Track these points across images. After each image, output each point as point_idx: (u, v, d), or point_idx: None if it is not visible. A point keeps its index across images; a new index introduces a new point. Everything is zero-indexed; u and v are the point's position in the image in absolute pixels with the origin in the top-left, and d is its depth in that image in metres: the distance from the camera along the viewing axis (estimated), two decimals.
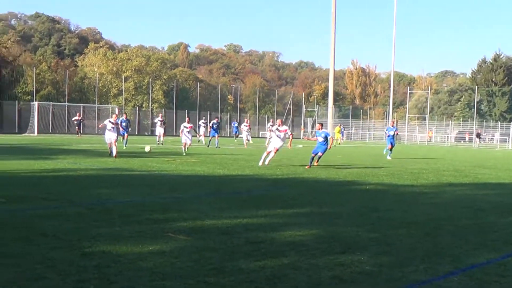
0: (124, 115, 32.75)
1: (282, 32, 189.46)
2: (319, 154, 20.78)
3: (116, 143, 21.38)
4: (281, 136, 21.52)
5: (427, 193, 14.49)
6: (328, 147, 21.28)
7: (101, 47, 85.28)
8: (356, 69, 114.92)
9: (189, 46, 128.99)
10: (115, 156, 20.86)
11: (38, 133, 51.04)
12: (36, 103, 53.48)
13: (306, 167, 20.64)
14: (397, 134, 28.64)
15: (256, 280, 5.74)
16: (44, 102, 55.58)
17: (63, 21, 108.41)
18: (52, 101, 57.13)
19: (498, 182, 18.55)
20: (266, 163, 20.98)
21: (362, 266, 6.52)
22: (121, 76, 69.43)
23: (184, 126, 27.87)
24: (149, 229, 8.16)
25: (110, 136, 21.17)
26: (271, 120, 38.17)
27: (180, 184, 14.65)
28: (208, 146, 35.82)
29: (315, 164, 20.75)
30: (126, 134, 30.73)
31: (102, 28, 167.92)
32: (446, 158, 34.60)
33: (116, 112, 35.09)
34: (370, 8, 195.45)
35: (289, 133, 22.70)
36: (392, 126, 29.53)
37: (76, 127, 48.21)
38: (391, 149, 28.10)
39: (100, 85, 67.02)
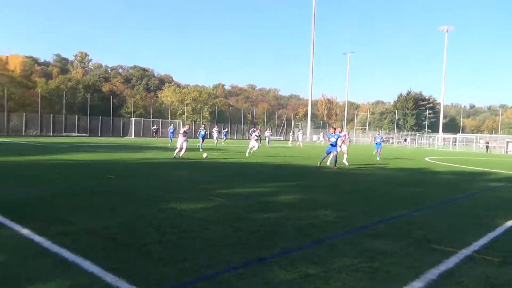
0: (203, 125, 27.50)
1: (281, 76, 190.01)
2: (333, 153, 15.91)
3: (184, 147, 17.47)
4: (338, 141, 16.37)
5: (367, 174, 14.44)
6: (338, 149, 16.27)
7: (172, 85, 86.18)
8: (324, 99, 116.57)
9: (225, 85, 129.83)
10: (181, 157, 17.57)
11: (134, 136, 51.82)
12: (133, 119, 54.59)
13: (318, 164, 16.57)
14: (346, 141, 19.52)
15: (264, 225, 5.82)
16: (138, 118, 56.77)
17: (150, 70, 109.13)
18: (142, 118, 58.23)
19: (410, 167, 18.45)
20: (247, 154, 20.46)
21: (327, 217, 6.56)
22: (184, 103, 70.49)
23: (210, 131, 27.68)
24: (199, 195, 8.25)
25: (181, 141, 17.47)
26: (256, 128, 34.21)
27: (218, 168, 14.74)
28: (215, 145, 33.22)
29: (334, 168, 15.45)
30: (201, 140, 25.20)
31: (173, 74, 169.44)
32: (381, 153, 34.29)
33: (186, 124, 28.66)
34: (337, 55, 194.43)
35: (347, 136, 18.92)
36: (378, 135, 24.08)
37: (154, 133, 49.33)
38: (379, 152, 23.29)
39: (171, 108, 67.92)
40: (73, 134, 48.84)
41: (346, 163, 17.40)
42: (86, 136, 47.73)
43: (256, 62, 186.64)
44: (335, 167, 15.59)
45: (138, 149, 23.99)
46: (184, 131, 17.72)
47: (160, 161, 16.42)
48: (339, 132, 16.90)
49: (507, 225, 6.55)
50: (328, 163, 16.93)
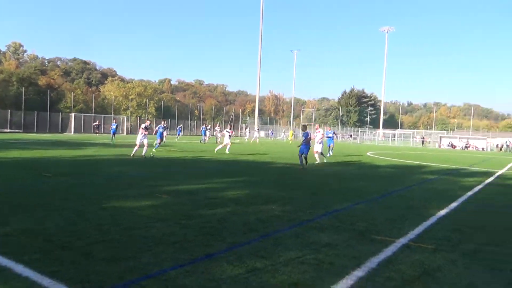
0: (163, 122, 22.16)
1: (229, 71, 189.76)
2: (304, 154, 14.23)
3: (145, 143, 16.14)
4: (318, 137, 16.87)
5: (313, 169, 14.80)
6: (313, 144, 15.97)
7: (115, 80, 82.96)
8: (272, 95, 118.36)
9: (171, 80, 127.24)
10: (144, 155, 16.20)
11: (73, 133, 49.30)
12: (73, 114, 52.18)
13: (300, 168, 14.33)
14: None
15: (211, 221, 5.79)
16: (78, 113, 54.06)
17: (91, 63, 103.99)
18: (83, 113, 55.50)
19: (353, 162, 19.19)
20: (226, 151, 20.45)
21: (274, 211, 6.66)
22: (128, 98, 68.19)
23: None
24: (144, 192, 8.04)
25: (140, 138, 16.06)
26: (228, 125, 33.23)
27: (165, 164, 14.44)
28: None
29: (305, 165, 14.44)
30: (159, 139, 20.62)
31: (117, 67, 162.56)
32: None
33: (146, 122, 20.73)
34: (283, 51, 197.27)
35: (322, 133, 17.24)
36: (330, 130, 23.06)
37: (96, 129, 46.98)
38: (331, 148, 21.49)
39: (115, 103, 65.45)
40: (5, 130, 45.49)
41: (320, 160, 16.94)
42: (20, 132, 44.65)
43: (204, 57, 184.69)
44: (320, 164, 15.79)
45: (78, 146, 22.85)
46: (145, 127, 16.50)
47: (102, 158, 15.77)
48: (329, 129, 17.54)
49: (440, 214, 7.03)
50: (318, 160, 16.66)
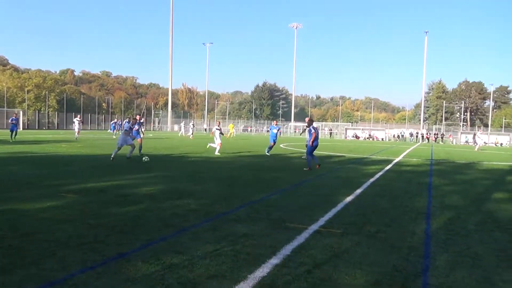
0: (129, 118, 16.66)
1: (139, 63, 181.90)
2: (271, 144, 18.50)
3: (129, 143, 14.40)
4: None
5: (229, 161, 14.94)
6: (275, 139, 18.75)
7: (8, 69, 74.57)
8: (185, 88, 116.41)
9: (75, 71, 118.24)
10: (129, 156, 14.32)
11: None
12: None
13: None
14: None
15: (124, 219, 5.56)
16: None
17: None
18: None
19: (269, 153, 19.76)
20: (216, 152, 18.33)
21: (190, 206, 6.61)
22: (24, 89, 61.76)
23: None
24: (47, 192, 7.42)
25: (123, 139, 14.23)
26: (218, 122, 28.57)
27: (70, 161, 13.43)
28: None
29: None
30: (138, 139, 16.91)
31: (9, 56, 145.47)
32: (241, 140, 36.04)
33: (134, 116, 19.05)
34: (196, 44, 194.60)
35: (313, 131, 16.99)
36: (275, 125, 21.03)
37: None
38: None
39: (8, 95, 58.98)
40: None
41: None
42: None
43: (111, 48, 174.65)
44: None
45: None
46: (129, 127, 14.68)
47: None
48: (275, 124, 18.06)
49: (346, 200, 7.58)
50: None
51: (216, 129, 18.89)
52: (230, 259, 4.10)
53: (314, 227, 5.50)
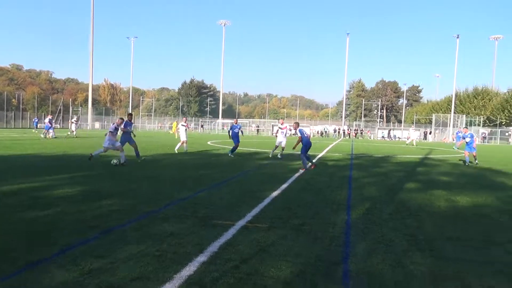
0: (118, 121, 13.67)
1: (55, 57, 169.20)
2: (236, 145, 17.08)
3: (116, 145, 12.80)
4: (284, 133, 17.66)
5: (157, 160, 14.40)
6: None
7: None
8: (107, 84, 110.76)
9: None
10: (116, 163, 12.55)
11: None
12: None
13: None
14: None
15: (39, 223, 5.16)
16: None
17: None
18: None
19: (195, 151, 19.52)
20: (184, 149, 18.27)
21: (114, 207, 6.32)
22: None
23: None
24: None
25: (110, 142, 12.75)
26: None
27: None
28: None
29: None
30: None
31: None
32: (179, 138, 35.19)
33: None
34: (119, 38, 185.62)
35: (299, 134, 14.37)
36: (236, 123, 18.40)
37: None
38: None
39: None
40: None
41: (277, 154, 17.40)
42: None
43: (22, 39, 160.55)
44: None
45: None
46: (115, 128, 12.79)
47: None
48: (282, 124, 17.80)
49: (272, 195, 7.78)
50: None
51: (182, 125, 18.66)
52: (156, 259, 4.01)
53: (241, 223, 5.57)
